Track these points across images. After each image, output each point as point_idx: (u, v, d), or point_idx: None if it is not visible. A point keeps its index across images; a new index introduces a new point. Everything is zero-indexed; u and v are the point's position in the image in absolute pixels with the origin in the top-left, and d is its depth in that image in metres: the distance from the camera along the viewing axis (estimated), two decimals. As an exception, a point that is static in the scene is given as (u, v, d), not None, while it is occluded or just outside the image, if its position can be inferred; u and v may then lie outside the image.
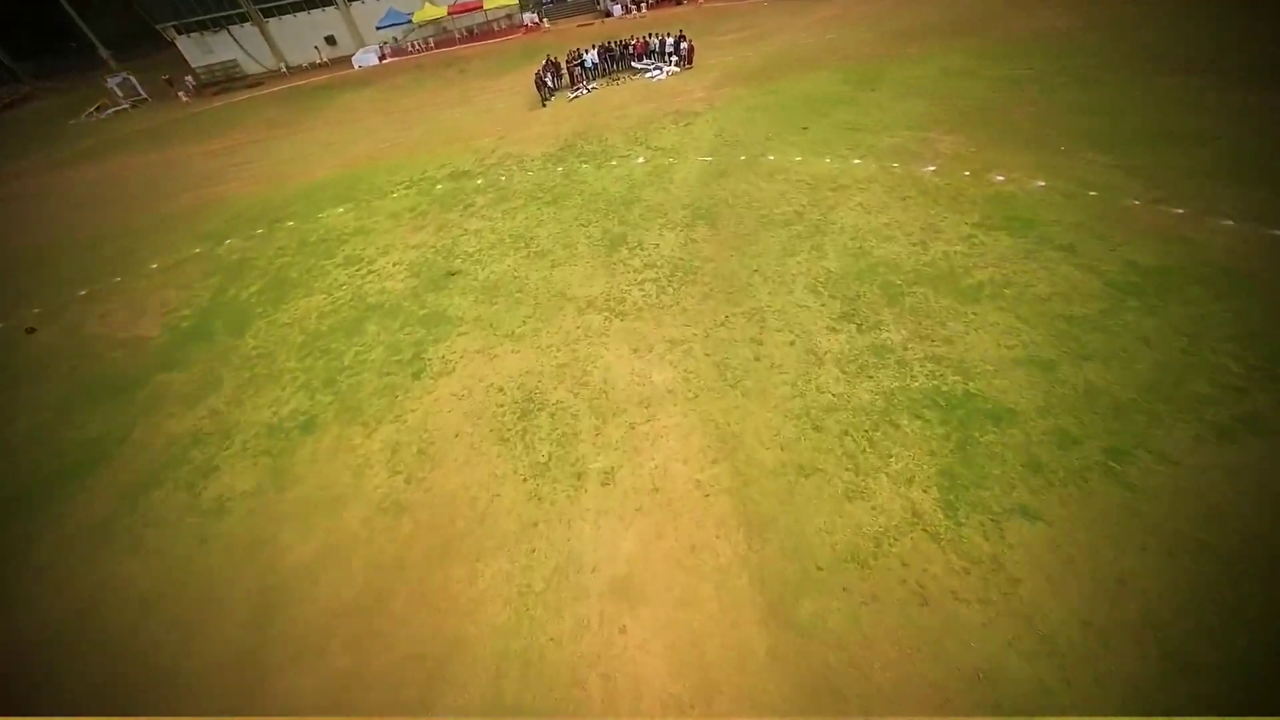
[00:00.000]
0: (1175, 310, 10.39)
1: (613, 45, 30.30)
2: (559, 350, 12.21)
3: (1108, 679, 6.23)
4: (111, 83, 46.21)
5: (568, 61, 29.69)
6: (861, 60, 25.20)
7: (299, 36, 49.81)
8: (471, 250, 16.35)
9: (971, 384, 9.83)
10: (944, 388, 9.86)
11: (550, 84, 28.77)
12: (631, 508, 8.95)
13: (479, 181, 20.65)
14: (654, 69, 29.21)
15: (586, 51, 29.42)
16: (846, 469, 8.91)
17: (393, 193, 21.12)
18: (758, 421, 9.91)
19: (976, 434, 9.05)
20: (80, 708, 7.68)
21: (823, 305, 12.06)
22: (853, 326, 11.42)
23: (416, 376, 12.26)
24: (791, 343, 11.31)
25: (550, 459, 9.96)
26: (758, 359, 11.10)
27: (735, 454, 9.45)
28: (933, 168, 15.93)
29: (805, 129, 19.52)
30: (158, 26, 46.19)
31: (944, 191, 14.86)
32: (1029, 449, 8.70)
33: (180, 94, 45.88)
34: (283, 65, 50.53)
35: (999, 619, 6.92)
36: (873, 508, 8.34)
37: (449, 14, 47.09)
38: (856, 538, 8.02)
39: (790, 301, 12.32)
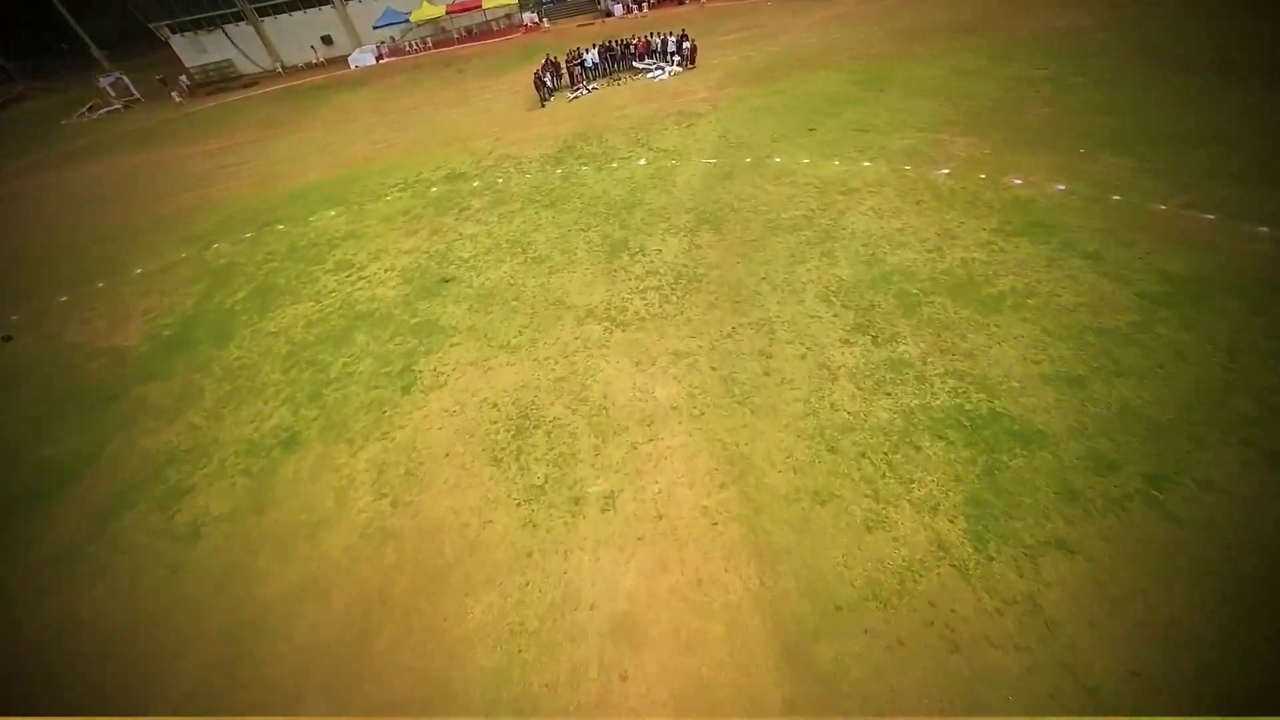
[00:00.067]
0: (1212, 323, 9.76)
1: (613, 45, 29.69)
2: (556, 363, 11.58)
3: (1166, 743, 5.59)
4: (104, 82, 45.56)
5: (567, 61, 29.08)
6: (868, 60, 24.59)
7: (295, 36, 49.16)
8: (466, 256, 15.71)
9: (997, 402, 9.19)
10: (967, 406, 9.22)
11: (549, 84, 28.15)
12: (633, 537, 8.31)
13: (475, 184, 20.02)
14: (655, 69, 28.60)
15: (587, 51, 28.81)
16: (865, 495, 8.27)
17: (386, 195, 20.48)
18: (768, 442, 9.27)
19: (1005, 457, 8.41)
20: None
21: (835, 316, 11.42)
22: (867, 339, 10.79)
23: (406, 390, 11.62)
24: (803, 356, 10.68)
25: (546, 482, 9.31)
26: (767, 373, 10.46)
27: (745, 478, 8.81)
28: (946, 171, 15.30)
29: (812, 130, 18.90)
30: (151, 26, 45.56)
31: (959, 195, 14.23)
32: (1062, 475, 8.06)
33: (174, 94, 45.21)
34: (278, 65, 49.87)
35: (1038, 668, 6.28)
36: (895, 539, 7.70)
37: (447, 13, 46.46)
38: (878, 573, 7.38)
39: (801, 311, 11.68)
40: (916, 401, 9.45)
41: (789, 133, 19.06)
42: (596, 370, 11.23)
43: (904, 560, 7.46)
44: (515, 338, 12.44)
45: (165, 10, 44.96)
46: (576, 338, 12.11)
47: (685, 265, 13.62)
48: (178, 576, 8.94)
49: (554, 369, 11.44)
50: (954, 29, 26.43)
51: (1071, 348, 9.86)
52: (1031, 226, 12.78)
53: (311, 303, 14.98)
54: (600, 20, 44.83)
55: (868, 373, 10.11)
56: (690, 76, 27.11)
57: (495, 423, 10.53)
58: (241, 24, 47.53)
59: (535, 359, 11.79)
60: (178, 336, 14.75)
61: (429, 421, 10.83)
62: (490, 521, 8.88)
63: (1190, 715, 5.67)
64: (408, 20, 46.42)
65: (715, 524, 8.27)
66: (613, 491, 8.97)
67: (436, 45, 47.13)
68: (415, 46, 47.30)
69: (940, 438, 8.84)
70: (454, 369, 11.91)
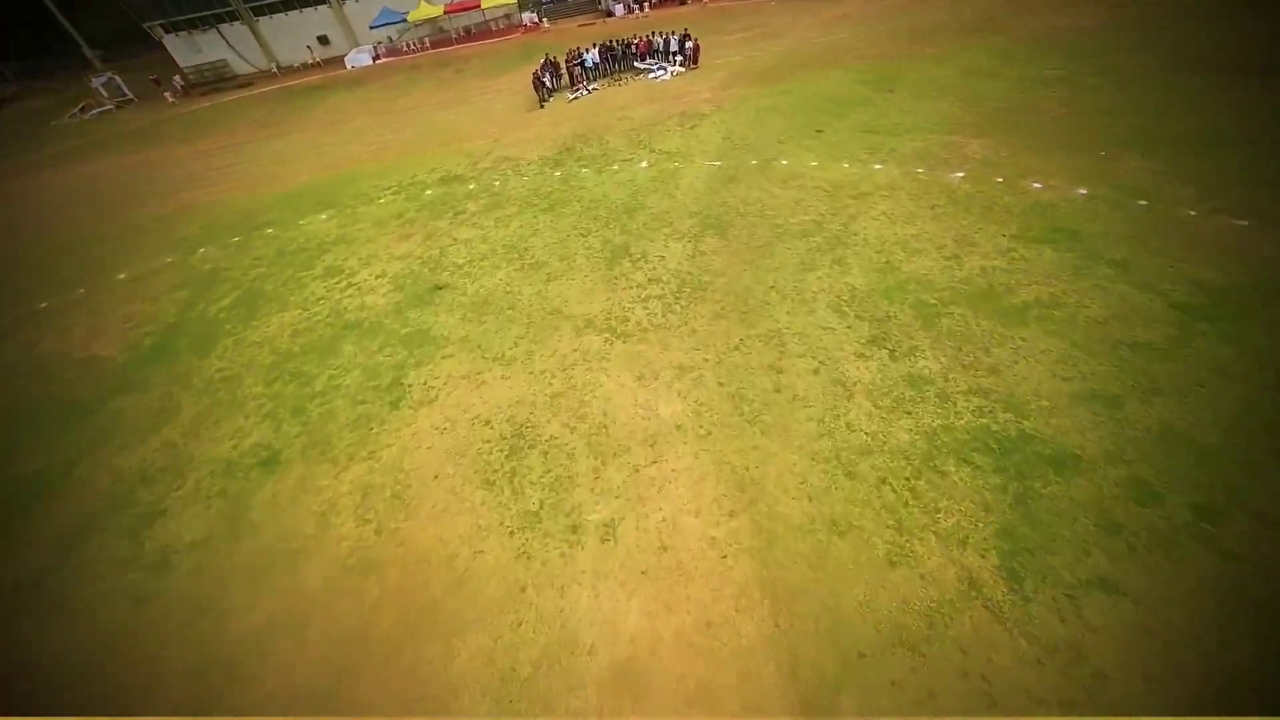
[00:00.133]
0: (1254, 338, 9.12)
1: (614, 44, 29.04)
2: (553, 377, 10.93)
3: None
4: (96, 83, 44.91)
5: (567, 61, 28.45)
6: (876, 59, 23.97)
7: (291, 36, 48.53)
8: (461, 262, 15.05)
9: (1026, 423, 8.54)
10: (994, 427, 8.58)
11: (549, 84, 27.52)
12: (635, 570, 7.65)
13: (471, 186, 19.37)
14: (657, 69, 27.98)
15: (587, 51, 28.17)
16: (887, 526, 7.62)
17: (379, 198, 19.83)
18: (780, 465, 8.62)
19: (1038, 485, 7.76)
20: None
21: (849, 327, 10.77)
22: (884, 352, 10.14)
23: (394, 406, 10.96)
24: (815, 371, 10.02)
25: (542, 508, 8.66)
26: (778, 390, 9.81)
27: (755, 505, 8.15)
28: (961, 174, 14.66)
29: (820, 132, 18.25)
30: (145, 25, 44.93)
31: (976, 200, 13.59)
32: (1102, 505, 7.41)
33: (167, 94, 44.56)
34: (274, 66, 49.25)
35: (1089, 730, 5.62)
36: (921, 576, 7.04)
37: (445, 13, 45.84)
38: (904, 614, 6.72)
39: (812, 323, 11.03)
40: (939, 422, 8.80)
41: (796, 134, 18.42)
42: (596, 385, 10.59)
43: (932, 600, 6.81)
44: (510, 349, 11.79)
45: (159, 10, 44.33)
46: (575, 350, 11.47)
47: (689, 273, 12.98)
48: (144, 611, 8.28)
49: (551, 383, 10.80)
50: (961, 29, 25.82)
51: (1103, 363, 9.22)
52: (1054, 233, 12.14)
53: (298, 310, 14.33)
54: (601, 20, 44.23)
55: (886, 389, 9.46)
56: (693, 77, 26.49)
57: (488, 442, 9.88)
58: (236, 24, 46.94)
59: (531, 372, 11.14)
60: (158, 346, 14.09)
61: (418, 440, 10.18)
62: (481, 552, 8.23)
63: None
64: (405, 20, 45.81)
65: (724, 557, 7.62)
66: (613, 519, 8.32)
67: (434, 45, 46.53)
68: (413, 47, 46.69)
69: (966, 462, 8.19)
70: (445, 383, 11.27)
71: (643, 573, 7.60)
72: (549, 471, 9.17)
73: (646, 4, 44.25)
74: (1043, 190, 13.51)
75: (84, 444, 11.49)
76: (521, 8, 47.45)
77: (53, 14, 54.57)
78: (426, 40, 46.94)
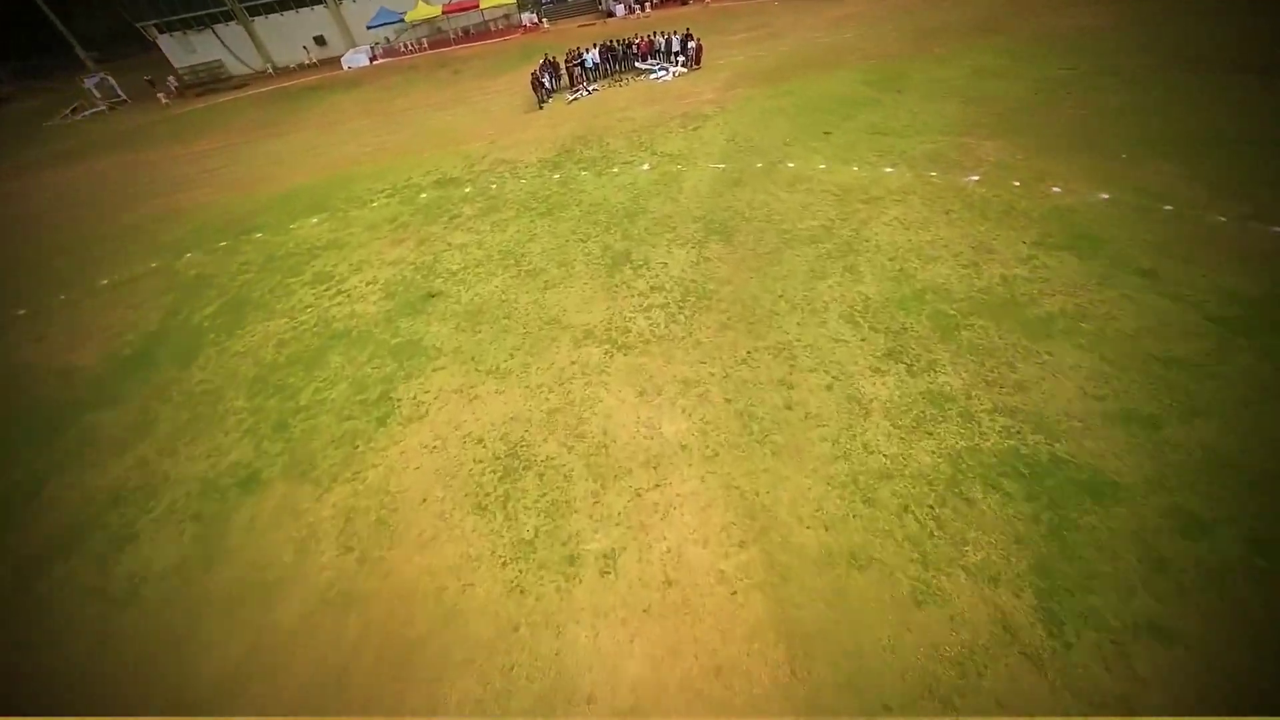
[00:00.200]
0: (1300, 353, 8.50)
1: (615, 44, 28.46)
2: (550, 391, 10.32)
3: None
4: (88, 83, 44.23)
5: (567, 61, 27.87)
6: (882, 60, 23.40)
7: (287, 36, 47.90)
8: (455, 268, 14.45)
9: (1058, 445, 7.95)
10: (1024, 450, 7.98)
11: (548, 85, 26.94)
12: (638, 608, 7.04)
13: (467, 189, 18.77)
14: (659, 69, 27.42)
15: (587, 51, 27.59)
16: (911, 560, 7.01)
17: (373, 201, 19.22)
18: (793, 490, 8.02)
19: (1074, 514, 7.16)
20: None
21: (863, 340, 10.18)
22: (901, 367, 9.54)
23: (382, 422, 10.35)
24: (829, 386, 9.43)
25: (537, 535, 8.05)
26: (789, 407, 9.21)
27: (768, 535, 7.55)
28: (976, 177, 14.08)
29: (828, 133, 17.67)
30: (138, 25, 44.31)
31: (992, 205, 13.00)
32: (1145, 537, 6.81)
33: (160, 95, 43.91)
34: (269, 66, 48.64)
35: (1148, 803, 5.01)
36: (951, 617, 6.44)
37: (443, 13, 45.25)
38: (933, 662, 6.12)
39: (824, 334, 10.44)
40: (964, 443, 8.20)
41: (802, 136, 17.83)
42: (595, 401, 9.98)
43: (964, 645, 6.21)
44: (506, 361, 11.19)
45: (153, 9, 43.70)
46: (573, 362, 10.86)
47: (694, 280, 12.38)
48: (107, 648, 7.67)
49: (548, 398, 10.19)
50: (967, 28, 25.28)
51: (1137, 380, 8.63)
52: (1076, 239, 11.56)
53: (285, 319, 13.71)
54: (601, 21, 43.69)
55: (905, 407, 8.86)
56: (696, 77, 25.91)
57: (480, 462, 9.27)
58: (231, 24, 46.30)
59: (527, 386, 10.54)
60: (138, 356, 13.48)
61: (406, 459, 9.57)
62: (471, 585, 7.63)
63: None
64: (403, 20, 45.20)
65: (734, 594, 7.01)
66: (614, 549, 7.71)
67: (433, 46, 45.96)
68: (410, 47, 46.11)
69: (995, 488, 7.59)
70: (436, 397, 10.66)
71: (645, 611, 6.99)
72: (545, 495, 8.57)
73: (648, 4, 43.72)
74: (1062, 194, 12.93)
75: (55, 460, 10.88)
76: (521, 8, 46.89)
77: (54, 14, 53.90)
78: (424, 41, 46.37)
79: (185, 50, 46.62)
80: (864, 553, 7.17)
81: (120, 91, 45.29)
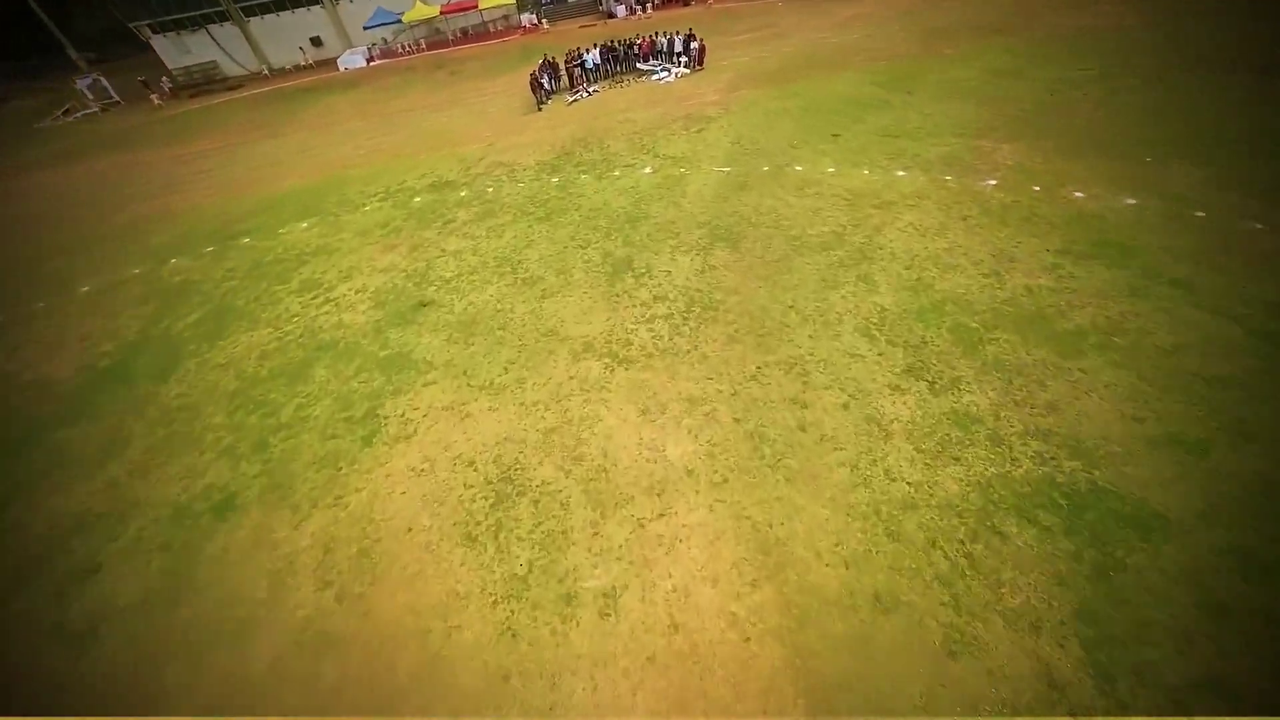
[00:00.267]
0: (1357, 373, 7.86)
1: (616, 45, 27.84)
2: (547, 409, 9.68)
3: None
4: (80, 84, 43.60)
5: (566, 62, 27.26)
6: (891, 60, 22.79)
7: (283, 37, 47.19)
8: (448, 275, 13.81)
9: (1097, 473, 7.31)
10: (1059, 478, 7.34)
11: (547, 86, 26.33)
12: (641, 656, 6.39)
13: (463, 193, 18.13)
14: (661, 70, 26.81)
15: (587, 51, 26.98)
16: (942, 603, 6.36)
17: (365, 205, 18.58)
18: (810, 522, 7.38)
19: (1119, 552, 6.52)
20: None
21: (880, 355, 9.54)
22: (923, 385, 8.90)
23: (367, 441, 9.71)
24: (845, 405, 8.79)
25: (531, 570, 7.40)
26: (803, 428, 8.56)
27: (783, 572, 6.91)
28: (993, 181, 13.45)
29: (836, 136, 17.04)
30: (131, 26, 43.66)
31: (1012, 210, 12.37)
32: (1200, 579, 6.17)
33: (153, 96, 43.26)
34: (265, 68, 47.97)
35: None
36: (989, 671, 5.79)
37: (441, 14, 44.64)
38: (973, 724, 5.44)
39: (838, 348, 9.80)
40: (994, 470, 7.56)
41: (810, 138, 17.20)
42: (595, 420, 9.34)
43: (1005, 703, 5.59)
44: (500, 376, 10.55)
45: (145, 9, 43.05)
46: (572, 377, 10.22)
47: (699, 289, 11.74)
48: (58, 700, 6.97)
49: (544, 417, 9.55)
50: (977, 29, 24.67)
51: (1179, 401, 7.99)
52: (1103, 247, 10.93)
53: (269, 329, 13.07)
54: (602, 22, 43.09)
55: (928, 430, 8.22)
56: (699, 78, 25.28)
57: (471, 487, 8.62)
58: (226, 24, 45.62)
59: (522, 403, 9.89)
60: (114, 368, 12.83)
61: (391, 483, 8.92)
62: (458, 627, 6.97)
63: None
64: (400, 21, 44.56)
65: (748, 640, 6.36)
66: (614, 588, 7.07)
67: (430, 47, 45.35)
68: (408, 48, 45.51)
69: (1030, 521, 6.95)
70: (425, 415, 10.02)
71: (649, 659, 6.34)
72: (540, 525, 7.92)
73: (649, 5, 43.13)
74: (1085, 200, 12.30)
75: (19, 482, 10.25)
76: (520, 9, 46.28)
77: (52, 13, 53.28)
78: (422, 42, 45.77)
79: (179, 51, 45.99)
80: (890, 594, 6.52)
81: (113, 93, 44.67)
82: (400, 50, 45.49)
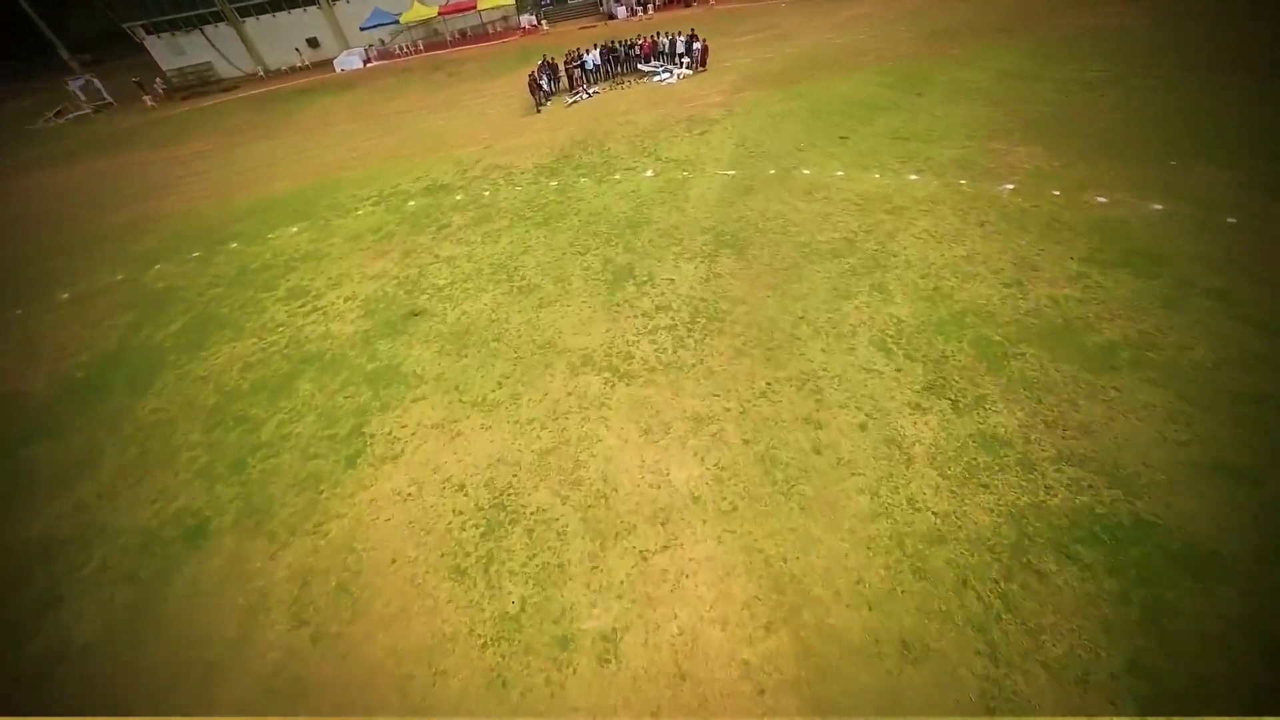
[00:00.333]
0: None
1: (616, 45, 27.29)
2: (543, 428, 9.08)
3: None
4: (73, 85, 43.02)
5: (566, 63, 26.71)
6: (898, 61, 22.23)
7: (278, 38, 46.61)
8: (441, 283, 13.21)
9: (1140, 504, 6.70)
10: (1099, 509, 6.73)
11: (546, 87, 25.77)
12: (644, 710, 5.79)
13: (458, 197, 17.54)
14: (663, 71, 26.26)
15: (587, 52, 26.43)
16: (977, 652, 5.75)
17: (357, 209, 17.99)
18: (827, 556, 6.78)
19: (1170, 594, 5.91)
20: None
21: (898, 370, 8.94)
22: (945, 403, 8.31)
23: (351, 462, 9.11)
24: (862, 426, 8.19)
25: (524, 609, 6.79)
26: (818, 450, 7.96)
27: (799, 615, 6.30)
28: (1010, 186, 12.87)
29: (844, 138, 16.46)
30: (125, 26, 43.10)
31: (1032, 216, 11.79)
32: (1263, 628, 5.58)
33: (147, 98, 42.67)
34: (260, 69, 47.42)
35: None
36: (1033, 733, 5.15)
37: (439, 15, 44.11)
38: (1017, 797, 4.82)
39: (852, 363, 9.20)
40: (1027, 499, 6.96)
41: (817, 141, 16.62)
42: (594, 440, 8.74)
43: (1052, 772, 4.92)
44: (493, 391, 9.95)
45: (139, 10, 42.47)
46: (569, 393, 9.62)
47: (704, 299, 11.15)
48: (3, 752, 6.35)
49: (540, 437, 8.94)
50: (986, 29, 24.13)
51: (1224, 423, 7.40)
52: (1132, 255, 10.35)
53: (253, 339, 12.47)
54: (603, 23, 42.56)
55: (953, 453, 7.62)
56: (701, 80, 24.72)
57: (460, 514, 8.02)
58: (221, 25, 45.06)
59: (517, 421, 9.29)
60: (90, 380, 12.23)
61: (375, 509, 8.31)
62: (443, 673, 6.36)
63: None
64: (397, 22, 44.02)
65: (762, 693, 5.75)
66: (614, 630, 6.46)
67: (428, 48, 44.82)
68: (405, 49, 44.98)
69: (1070, 558, 6.34)
70: (414, 433, 9.41)
71: (654, 715, 5.71)
72: (534, 557, 7.32)
73: (650, 6, 42.60)
74: (1109, 205, 11.72)
75: (-18, 503, 9.59)
76: (520, 10, 45.76)
77: (51, 14, 52.76)
78: (420, 43, 45.25)
79: (173, 52, 45.42)
80: (918, 640, 5.91)
81: (106, 94, 44.10)
82: (398, 51, 44.98)
